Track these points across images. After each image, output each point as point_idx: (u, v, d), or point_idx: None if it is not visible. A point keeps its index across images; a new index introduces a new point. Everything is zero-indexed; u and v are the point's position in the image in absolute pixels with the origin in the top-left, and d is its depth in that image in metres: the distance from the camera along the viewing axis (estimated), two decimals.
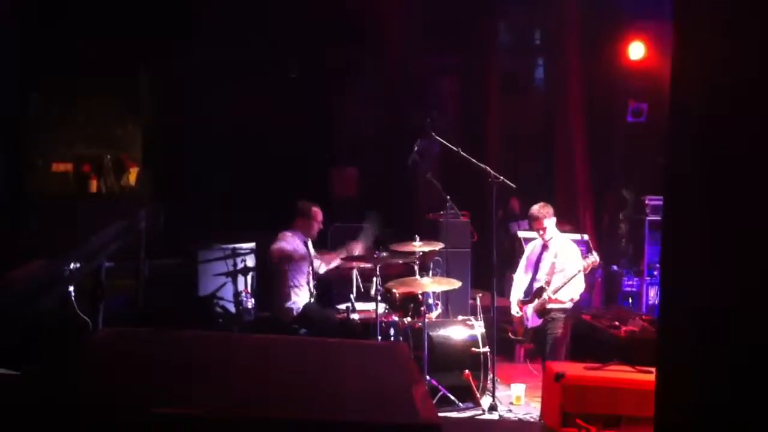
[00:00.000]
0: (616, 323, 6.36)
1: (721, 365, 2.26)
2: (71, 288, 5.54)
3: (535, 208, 6.53)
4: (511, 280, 8.40)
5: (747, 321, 2.19)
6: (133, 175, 8.86)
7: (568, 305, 6.38)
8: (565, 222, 9.04)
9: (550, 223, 6.50)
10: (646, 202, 8.65)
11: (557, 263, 6.39)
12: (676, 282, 2.48)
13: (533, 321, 6.42)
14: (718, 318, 2.27)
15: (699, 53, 2.38)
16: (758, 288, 2.17)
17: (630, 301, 8.65)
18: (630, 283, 8.69)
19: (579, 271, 6.23)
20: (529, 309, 6.45)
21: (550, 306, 6.33)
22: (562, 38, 9.58)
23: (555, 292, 6.27)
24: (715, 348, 2.28)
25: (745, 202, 2.20)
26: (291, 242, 6.64)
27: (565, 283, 6.25)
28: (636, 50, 8.80)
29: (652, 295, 8.44)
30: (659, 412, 2.52)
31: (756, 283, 2.17)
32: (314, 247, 6.95)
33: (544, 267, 6.51)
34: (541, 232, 6.51)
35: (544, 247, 6.57)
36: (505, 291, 8.33)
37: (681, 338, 2.43)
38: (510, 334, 6.74)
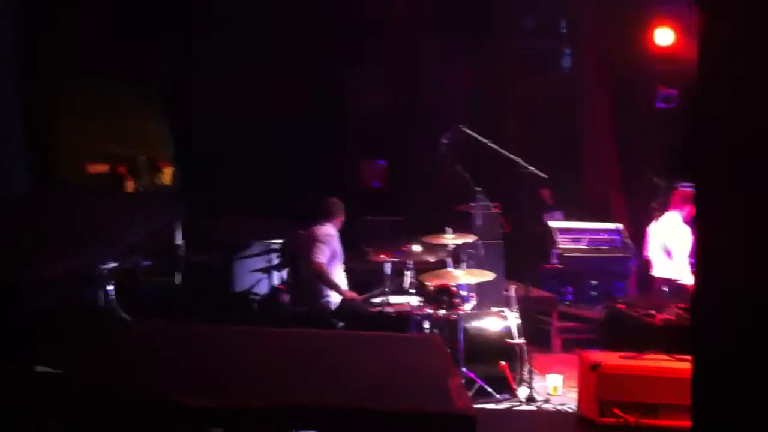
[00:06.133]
0: (652, 311, 6.31)
1: (758, 353, 2.25)
2: (110, 286, 5.66)
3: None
4: (542, 270, 8.39)
5: None
6: (167, 174, 8.97)
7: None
8: (597, 211, 9.01)
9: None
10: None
11: (667, 243, 7.09)
12: (711, 269, 2.47)
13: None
14: (754, 305, 2.26)
15: (724, 37, 2.36)
16: None
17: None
18: None
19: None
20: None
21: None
22: (588, 24, 9.53)
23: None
24: (752, 335, 2.27)
25: None
26: (332, 241, 6.71)
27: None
28: (663, 36, 8.70)
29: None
30: (696, 401, 2.51)
31: None
32: (344, 242, 6.99)
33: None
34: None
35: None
36: (538, 281, 8.32)
37: (716, 326, 2.42)
38: None
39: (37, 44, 7.99)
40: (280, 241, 7.82)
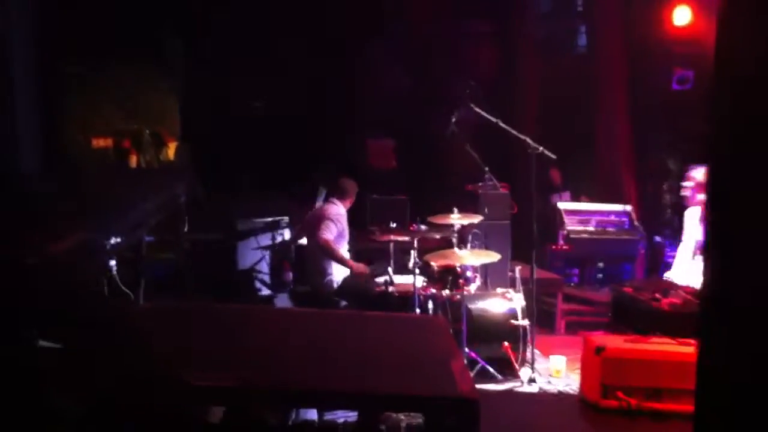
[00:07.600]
0: (658, 295, 6.27)
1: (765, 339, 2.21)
2: (113, 261, 5.64)
3: None
4: (550, 252, 8.32)
5: None
6: (171, 150, 8.92)
7: None
8: (607, 192, 8.93)
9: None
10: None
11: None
12: (721, 256, 2.42)
13: None
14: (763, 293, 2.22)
15: (746, 18, 2.30)
16: None
17: None
18: (673, 254, 8.55)
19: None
20: None
21: None
22: (605, 3, 9.42)
23: None
24: (760, 321, 2.23)
25: None
26: (342, 220, 6.67)
27: None
28: (681, 15, 8.56)
29: None
30: (700, 385, 2.48)
31: None
32: (351, 220, 6.95)
33: None
34: None
35: None
36: (545, 263, 8.28)
37: (724, 312, 2.38)
38: None
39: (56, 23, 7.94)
40: (286, 218, 7.79)
